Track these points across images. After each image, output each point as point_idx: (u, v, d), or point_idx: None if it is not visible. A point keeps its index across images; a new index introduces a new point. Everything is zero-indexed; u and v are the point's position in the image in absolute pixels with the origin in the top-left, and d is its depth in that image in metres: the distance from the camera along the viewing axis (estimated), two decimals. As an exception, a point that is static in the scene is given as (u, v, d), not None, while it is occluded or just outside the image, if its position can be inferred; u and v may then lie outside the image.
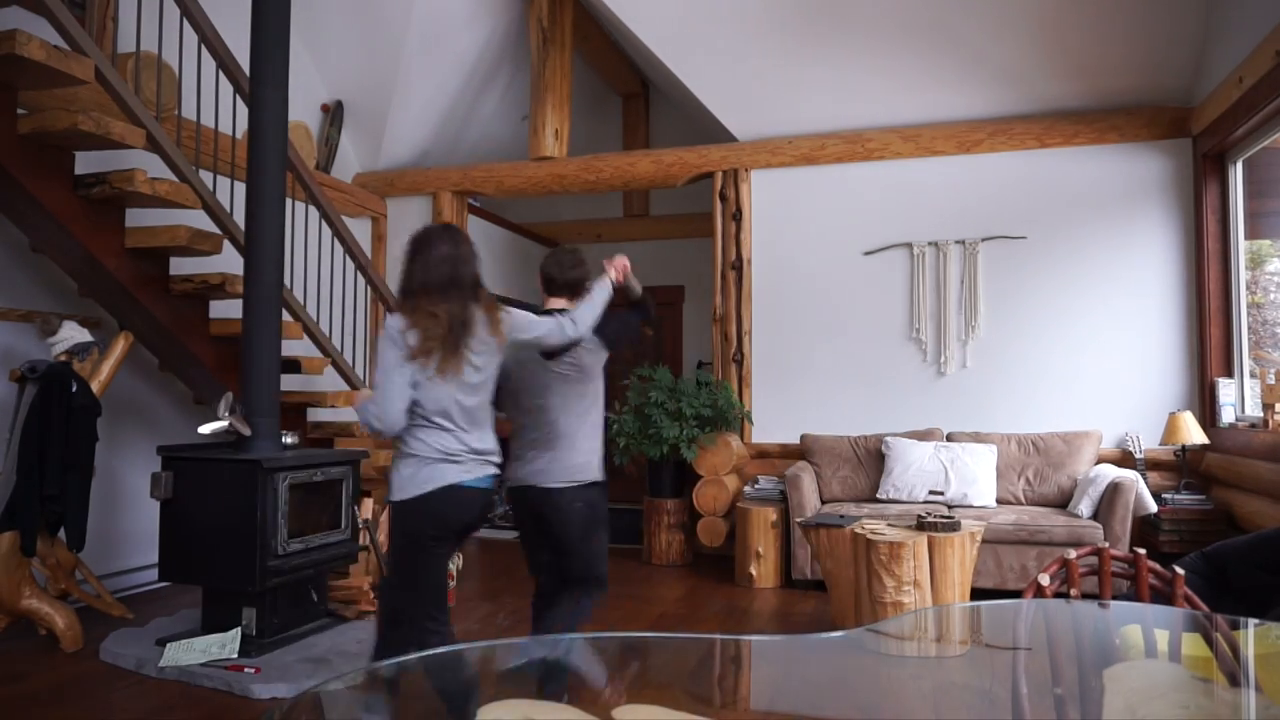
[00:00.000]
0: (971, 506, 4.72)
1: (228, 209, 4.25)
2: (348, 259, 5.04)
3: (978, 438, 5.07)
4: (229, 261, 4.45)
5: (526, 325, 2.62)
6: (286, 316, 4.27)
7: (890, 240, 5.53)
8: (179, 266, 4.36)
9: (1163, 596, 2.01)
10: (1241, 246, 4.73)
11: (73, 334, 3.93)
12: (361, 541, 4.18)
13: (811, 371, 5.65)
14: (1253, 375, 4.69)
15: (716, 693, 1.38)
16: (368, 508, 4.48)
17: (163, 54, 4.14)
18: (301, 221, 5.05)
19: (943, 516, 3.73)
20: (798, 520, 4.66)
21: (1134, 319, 5.09)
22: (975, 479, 4.80)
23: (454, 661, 1.40)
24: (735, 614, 4.40)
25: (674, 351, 8.16)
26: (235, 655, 3.39)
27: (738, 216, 5.79)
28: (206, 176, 4.47)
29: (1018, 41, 4.90)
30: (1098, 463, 4.85)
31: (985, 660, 1.58)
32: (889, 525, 3.86)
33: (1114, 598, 2.09)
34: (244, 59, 4.00)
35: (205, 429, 3.56)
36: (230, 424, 3.56)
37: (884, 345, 5.50)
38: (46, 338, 3.92)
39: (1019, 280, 5.29)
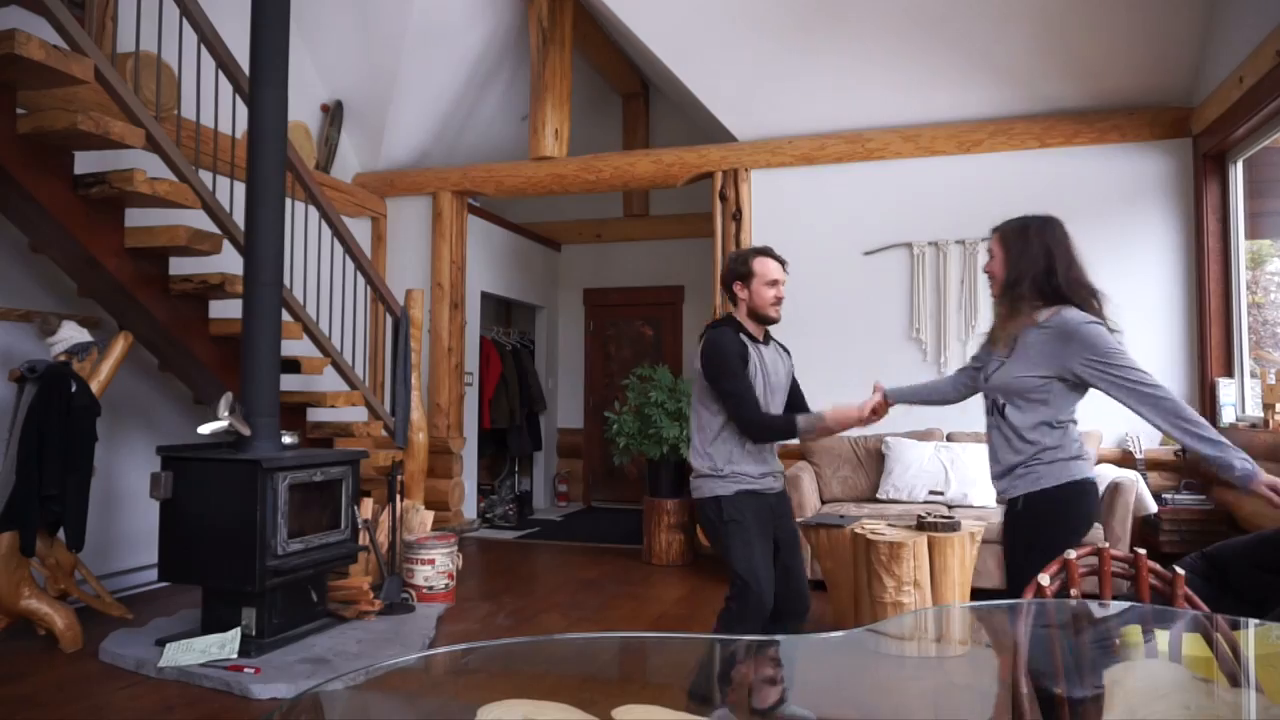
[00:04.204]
0: (972, 507, 4.72)
1: (228, 209, 4.25)
2: (348, 259, 5.04)
3: (978, 438, 5.06)
4: (229, 261, 4.44)
5: None
6: (286, 316, 4.27)
7: (890, 240, 5.53)
8: (179, 266, 4.36)
9: (1163, 596, 2.01)
10: (1242, 246, 4.72)
11: (72, 334, 3.93)
12: (361, 541, 4.18)
13: (811, 371, 5.62)
14: (1253, 375, 4.68)
15: (716, 693, 1.38)
16: (367, 508, 4.48)
17: (162, 54, 4.14)
18: (301, 221, 5.04)
19: (943, 516, 3.73)
20: (798, 520, 4.66)
21: (1134, 319, 5.06)
22: (975, 479, 4.79)
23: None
24: (735, 614, 4.39)
25: (674, 351, 8.15)
26: (235, 655, 3.39)
27: (738, 216, 5.78)
28: (206, 176, 4.47)
29: (1018, 41, 4.90)
30: (1098, 463, 4.84)
31: (985, 660, 1.58)
32: (889, 525, 3.86)
33: (1114, 598, 2.08)
34: (244, 59, 4.00)
35: (205, 429, 3.56)
36: (230, 424, 3.56)
37: (884, 345, 5.49)
38: (46, 338, 3.92)
39: (1019, 280, 5.28)
